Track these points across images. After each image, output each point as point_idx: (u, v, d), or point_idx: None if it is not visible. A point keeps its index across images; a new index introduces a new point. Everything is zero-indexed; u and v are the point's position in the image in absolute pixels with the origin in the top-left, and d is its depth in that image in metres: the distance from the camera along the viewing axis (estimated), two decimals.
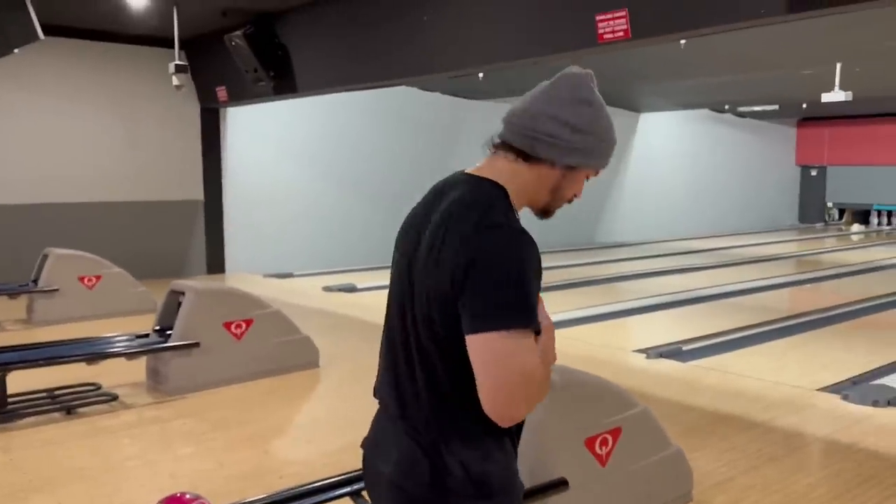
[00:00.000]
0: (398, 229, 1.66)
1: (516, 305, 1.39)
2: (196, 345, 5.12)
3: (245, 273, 10.46)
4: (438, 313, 1.46)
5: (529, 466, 2.80)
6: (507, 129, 1.56)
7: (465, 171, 1.59)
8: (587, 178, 1.61)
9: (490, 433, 1.49)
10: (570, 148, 1.52)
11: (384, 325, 1.66)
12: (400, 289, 1.57)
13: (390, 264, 1.65)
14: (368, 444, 1.68)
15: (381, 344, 1.66)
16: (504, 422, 1.43)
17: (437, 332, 1.47)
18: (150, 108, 9.94)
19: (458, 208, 1.49)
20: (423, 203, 1.61)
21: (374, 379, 1.69)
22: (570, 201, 1.62)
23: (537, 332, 1.46)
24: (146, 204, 10.00)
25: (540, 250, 1.46)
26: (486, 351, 1.39)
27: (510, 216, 1.49)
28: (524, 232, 1.45)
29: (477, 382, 1.41)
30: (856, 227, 19.16)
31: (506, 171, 1.54)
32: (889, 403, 4.83)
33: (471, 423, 1.48)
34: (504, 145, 1.55)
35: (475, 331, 1.39)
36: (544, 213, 1.63)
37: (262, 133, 10.96)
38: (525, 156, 1.53)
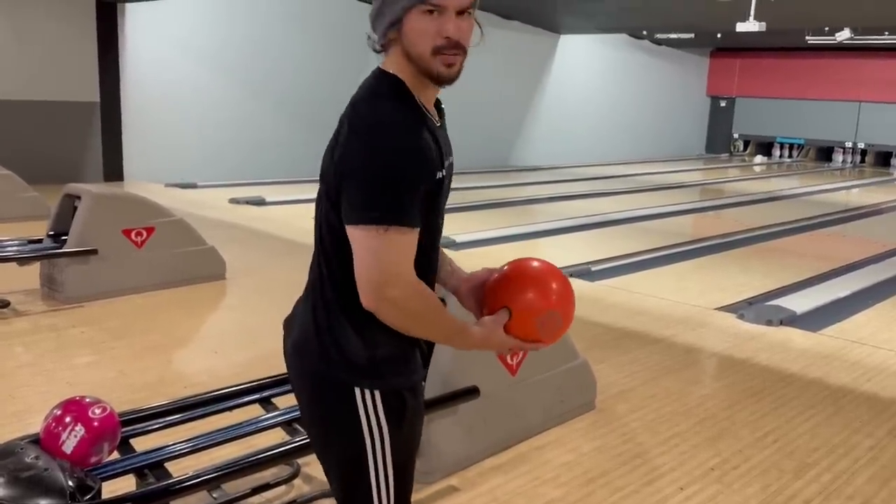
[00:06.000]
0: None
1: (386, 203, 1.40)
2: (93, 251, 4.86)
3: (145, 182, 9.98)
4: (332, 205, 1.50)
5: (443, 375, 2.82)
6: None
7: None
8: (433, 12, 1.44)
9: (380, 325, 1.50)
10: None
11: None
12: (320, 179, 1.62)
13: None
14: (286, 321, 1.73)
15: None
16: (379, 315, 1.46)
17: (332, 223, 1.51)
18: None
19: (355, 103, 1.51)
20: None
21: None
22: (448, 47, 1.46)
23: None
24: (35, 104, 9.30)
25: (456, 170, 1.48)
26: (355, 243, 1.44)
27: (401, 108, 1.47)
28: (407, 122, 1.45)
29: (356, 275, 1.46)
30: (759, 159, 19.91)
31: (392, 66, 1.52)
32: (781, 322, 5.10)
33: (361, 314, 1.50)
34: (381, 49, 1.55)
35: (347, 222, 1.45)
36: (434, 79, 1.50)
37: (164, 32, 10.30)
38: (384, 46, 1.52)
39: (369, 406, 1.53)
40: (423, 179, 1.45)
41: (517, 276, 1.62)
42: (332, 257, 1.54)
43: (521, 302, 1.57)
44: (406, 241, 1.43)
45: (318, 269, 1.59)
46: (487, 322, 1.57)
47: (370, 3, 1.54)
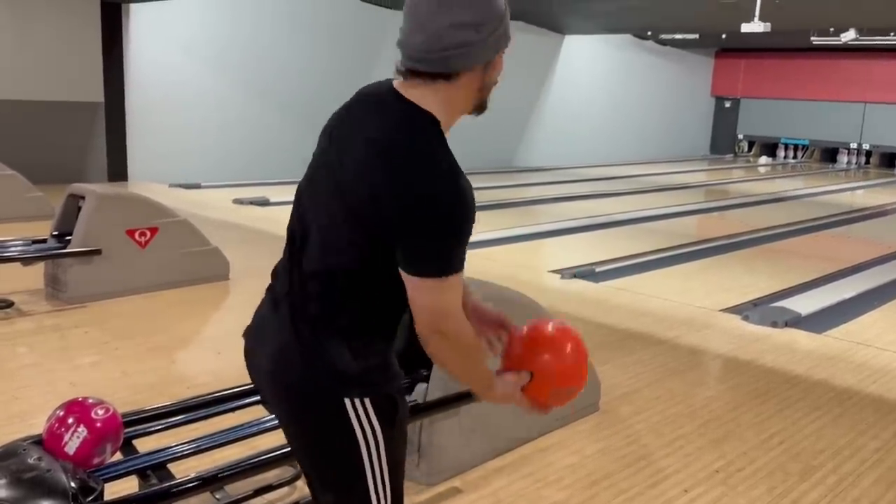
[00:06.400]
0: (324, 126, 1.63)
1: (447, 257, 1.44)
2: (97, 252, 4.86)
3: (149, 182, 9.98)
4: (355, 226, 1.48)
5: (446, 377, 2.80)
6: (413, 58, 1.49)
7: (394, 87, 1.53)
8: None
9: (370, 335, 1.56)
10: (482, 46, 1.48)
11: (291, 214, 1.64)
12: (317, 186, 1.58)
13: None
14: (249, 334, 1.71)
15: (287, 232, 1.66)
16: (428, 345, 1.51)
17: (347, 241, 1.50)
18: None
19: (396, 138, 1.47)
20: (350, 109, 1.58)
21: None
22: (495, 84, 1.60)
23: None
24: (39, 104, 9.30)
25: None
26: (414, 289, 1.46)
27: (448, 152, 1.47)
28: (463, 175, 1.46)
29: (411, 304, 1.49)
30: (763, 160, 19.86)
31: (431, 99, 1.49)
32: (786, 324, 5.08)
33: (355, 322, 1.54)
34: (416, 74, 1.49)
35: (408, 272, 1.46)
36: (479, 109, 1.60)
37: (169, 33, 10.31)
38: (445, 76, 1.48)
39: (361, 413, 1.53)
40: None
41: (544, 346, 1.69)
42: (337, 276, 1.53)
43: (541, 372, 1.65)
44: (461, 282, 1.49)
45: (300, 282, 1.56)
46: (509, 381, 1.65)
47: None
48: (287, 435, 1.71)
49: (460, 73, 1.48)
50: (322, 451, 1.59)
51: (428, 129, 1.48)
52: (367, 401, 1.53)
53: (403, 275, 1.47)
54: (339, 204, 1.50)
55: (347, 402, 1.52)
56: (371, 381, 1.55)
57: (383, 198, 1.44)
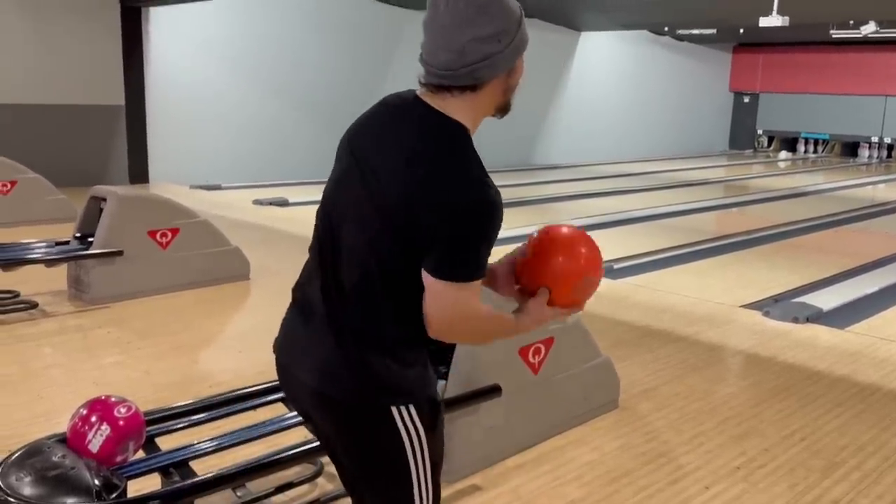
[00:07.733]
0: (343, 135, 1.64)
1: (476, 262, 1.47)
2: (119, 253, 4.92)
3: (170, 183, 10.08)
4: (391, 235, 1.48)
5: (465, 374, 2.81)
6: (439, 76, 1.50)
7: (420, 97, 1.54)
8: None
9: (410, 345, 1.57)
10: (506, 54, 1.50)
11: (317, 226, 1.64)
12: (345, 196, 1.57)
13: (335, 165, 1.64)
14: (281, 349, 1.71)
15: (312, 244, 1.65)
16: (446, 339, 1.57)
17: (384, 250, 1.49)
18: (66, 4, 9.27)
19: (426, 146, 1.48)
20: (374, 117, 1.59)
21: None
22: (517, 85, 1.61)
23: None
24: (61, 108, 9.43)
25: None
26: (438, 294, 1.47)
27: (478, 161, 1.49)
28: (492, 184, 1.48)
29: (425, 310, 1.50)
30: (783, 154, 19.68)
31: (457, 107, 1.52)
32: (808, 320, 5.03)
33: (396, 333, 1.55)
34: (443, 88, 1.51)
35: (435, 275, 1.46)
36: (503, 111, 1.61)
37: (188, 36, 10.40)
38: (471, 87, 1.50)
39: (407, 420, 1.56)
40: None
41: (546, 252, 1.65)
42: (375, 285, 1.52)
43: (555, 278, 1.63)
44: (479, 286, 1.51)
45: (338, 293, 1.55)
46: (532, 307, 1.61)
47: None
48: (329, 445, 1.71)
49: (486, 82, 1.51)
50: (372, 459, 1.61)
51: (458, 138, 1.50)
52: (411, 407, 1.56)
53: (426, 277, 1.47)
54: (372, 213, 1.50)
55: (394, 409, 1.54)
56: (414, 389, 1.58)
57: (416, 206, 1.45)
